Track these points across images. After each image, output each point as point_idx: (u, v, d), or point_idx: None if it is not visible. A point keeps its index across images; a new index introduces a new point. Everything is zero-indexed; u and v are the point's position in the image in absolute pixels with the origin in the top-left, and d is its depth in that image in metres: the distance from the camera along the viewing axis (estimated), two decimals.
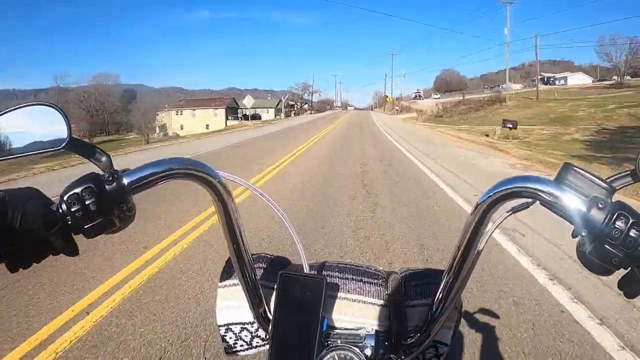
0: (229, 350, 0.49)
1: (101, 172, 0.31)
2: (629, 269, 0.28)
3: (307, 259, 0.43)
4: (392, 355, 0.45)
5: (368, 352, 0.43)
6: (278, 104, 51.89)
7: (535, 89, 28.88)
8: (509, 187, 0.31)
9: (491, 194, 0.33)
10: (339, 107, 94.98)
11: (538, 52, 28.68)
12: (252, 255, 0.47)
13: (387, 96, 56.86)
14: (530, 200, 0.32)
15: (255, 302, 0.44)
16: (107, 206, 0.29)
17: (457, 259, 0.39)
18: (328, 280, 0.45)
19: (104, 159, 0.31)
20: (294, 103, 60.94)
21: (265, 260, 0.49)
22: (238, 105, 46.06)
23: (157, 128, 42.88)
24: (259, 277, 0.47)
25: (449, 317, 0.45)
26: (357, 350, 0.43)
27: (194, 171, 0.33)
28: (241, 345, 0.49)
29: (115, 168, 0.31)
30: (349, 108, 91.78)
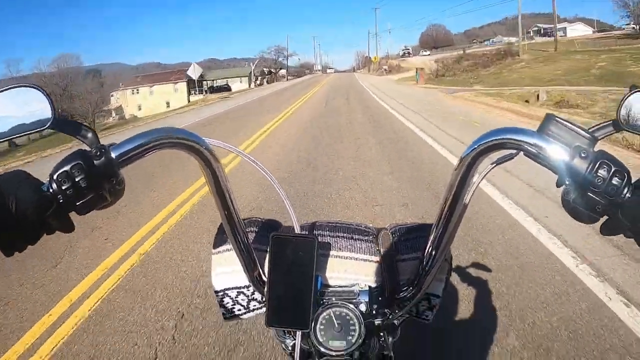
0: (227, 315, 0.55)
1: (88, 149, 0.33)
2: (612, 215, 0.31)
3: (297, 220, 0.49)
4: (386, 310, 0.51)
5: (362, 307, 0.49)
6: (253, 72, 50.18)
7: (533, 41, 28.25)
8: (492, 139, 0.34)
9: (475, 146, 0.36)
10: (319, 70, 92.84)
11: (522, 4, 27.57)
12: (244, 220, 0.52)
13: (370, 57, 55.74)
14: (514, 151, 0.36)
15: (250, 265, 0.49)
16: (97, 181, 0.32)
17: (444, 212, 0.43)
18: (319, 240, 0.50)
19: (90, 135, 0.34)
20: (268, 69, 58.77)
21: (256, 224, 0.55)
22: (203, 77, 44.37)
23: (112, 112, 40.84)
24: (251, 240, 0.52)
25: (440, 270, 0.51)
26: (352, 306, 0.48)
27: (180, 140, 0.37)
28: (239, 310, 0.55)
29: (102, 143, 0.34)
30: (328, 71, 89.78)
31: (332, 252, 0.52)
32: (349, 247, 0.52)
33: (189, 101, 37.80)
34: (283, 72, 62.78)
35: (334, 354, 0.47)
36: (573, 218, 0.33)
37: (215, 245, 0.54)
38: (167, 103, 41.17)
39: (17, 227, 0.30)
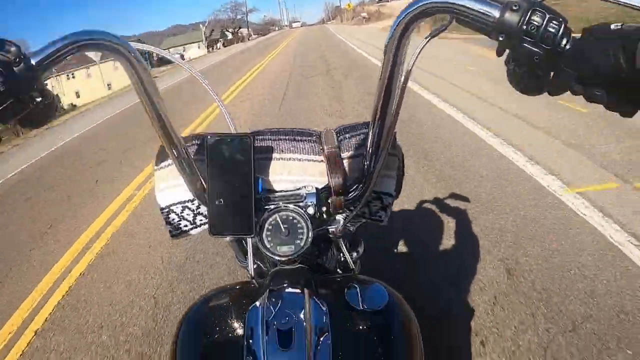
0: (174, 232, 0.60)
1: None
2: (555, 69, 0.32)
3: (234, 125, 0.53)
4: (338, 211, 0.55)
5: (310, 210, 0.52)
6: (211, 34, 47.65)
7: None
8: (419, 5, 0.36)
9: (402, 16, 0.37)
10: (286, 26, 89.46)
11: None
12: (186, 137, 0.57)
13: (341, 5, 53.67)
14: (446, 22, 0.38)
15: (191, 177, 0.53)
16: (17, 86, 0.34)
17: (381, 100, 0.45)
18: (260, 144, 0.55)
19: (13, 49, 0.36)
20: (228, 30, 56.10)
21: (197, 137, 0.59)
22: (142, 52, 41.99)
23: None
24: (192, 153, 0.56)
25: (388, 166, 0.56)
26: (299, 209, 0.52)
27: (100, 41, 0.39)
28: (185, 225, 0.59)
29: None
30: (294, 25, 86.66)
31: (274, 155, 0.55)
32: (291, 148, 0.56)
33: None
34: (244, 31, 60.18)
35: (283, 258, 0.51)
36: (520, 89, 0.35)
37: (157, 162, 0.58)
38: (108, 85, 39.15)
39: None
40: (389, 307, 0.50)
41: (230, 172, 0.49)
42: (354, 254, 0.73)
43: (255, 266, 0.59)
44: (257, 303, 0.48)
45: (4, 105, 0.35)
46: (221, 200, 0.49)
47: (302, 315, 0.45)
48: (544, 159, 2.48)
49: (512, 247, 1.75)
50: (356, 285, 0.52)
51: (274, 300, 0.47)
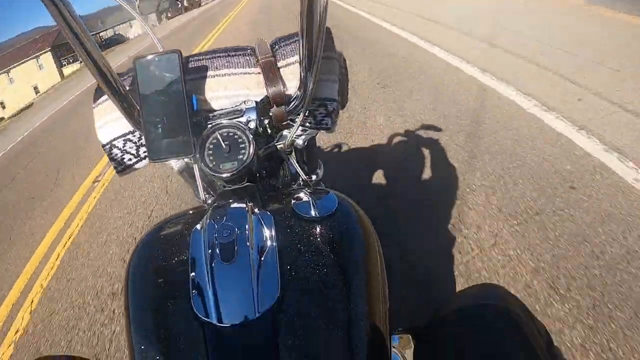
0: (119, 168, 0.63)
1: None
2: None
3: (161, 43, 0.56)
4: (282, 124, 0.58)
5: (252, 125, 0.55)
6: (159, 6, 44.82)
7: None
8: None
9: None
10: None
11: None
12: (121, 72, 0.59)
13: None
14: None
15: (128, 108, 0.56)
16: None
17: (305, 5, 0.46)
18: (195, 65, 0.58)
19: None
20: None
21: (132, 70, 0.60)
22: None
23: None
24: (128, 85, 0.59)
25: (328, 71, 0.59)
26: (240, 124, 0.55)
27: None
28: (129, 159, 0.63)
29: None
30: None
31: (209, 73, 0.59)
32: (226, 64, 0.59)
33: (62, 77, 34.24)
34: None
35: (225, 175, 0.54)
36: None
37: (95, 100, 0.62)
38: (35, 88, 37.16)
39: None
40: (338, 212, 0.52)
41: (162, 93, 0.52)
42: (313, 177, 0.78)
43: (208, 195, 0.63)
44: (201, 222, 0.51)
45: None
46: (157, 122, 0.52)
47: (246, 228, 0.48)
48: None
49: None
50: (305, 195, 0.55)
51: (217, 217, 0.50)
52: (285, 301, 0.44)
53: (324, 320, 0.45)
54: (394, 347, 0.56)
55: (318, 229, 0.51)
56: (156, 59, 0.52)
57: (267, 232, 0.49)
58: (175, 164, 0.68)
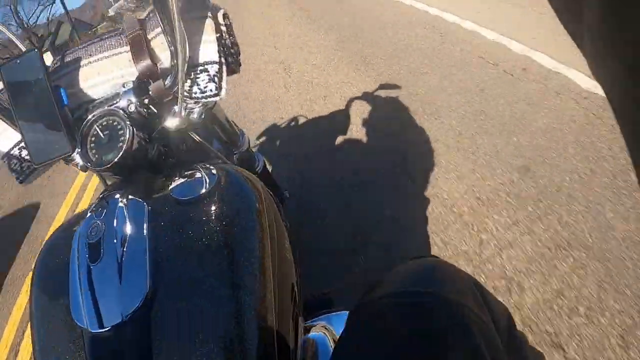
0: (21, 176, 0.62)
1: None
2: None
3: (20, 41, 0.54)
4: (166, 99, 0.54)
5: (132, 107, 0.52)
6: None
7: None
8: None
9: None
10: None
11: None
12: None
13: None
14: None
15: (9, 116, 0.54)
16: None
17: None
18: (70, 58, 0.56)
19: None
20: None
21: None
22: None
23: None
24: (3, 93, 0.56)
25: (202, 31, 0.53)
26: (118, 111, 0.52)
27: None
28: (28, 167, 0.61)
29: None
30: None
31: (83, 62, 0.56)
32: (98, 49, 0.57)
33: None
34: None
35: (108, 166, 0.51)
36: None
37: None
38: None
39: None
40: (216, 189, 0.48)
41: (31, 94, 0.50)
42: (237, 150, 0.75)
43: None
44: (80, 221, 0.49)
45: None
46: (33, 125, 0.50)
47: (113, 223, 0.45)
48: None
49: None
50: (185, 176, 0.51)
51: (96, 211, 0.48)
52: (156, 298, 0.41)
53: (200, 314, 0.41)
54: (315, 329, 0.53)
55: (192, 212, 0.46)
56: (17, 61, 0.51)
57: (137, 224, 0.46)
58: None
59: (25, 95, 0.51)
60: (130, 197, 0.49)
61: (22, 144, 0.60)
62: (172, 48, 0.52)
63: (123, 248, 0.44)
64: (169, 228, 0.46)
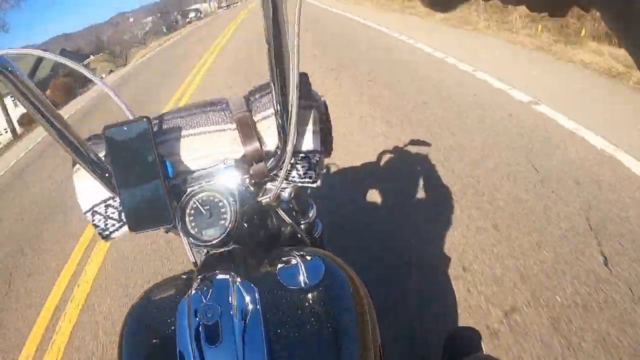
0: (104, 234, 0.62)
1: None
2: None
3: (133, 112, 0.55)
4: (264, 180, 0.56)
5: (232, 185, 0.54)
6: None
7: None
8: None
9: None
10: None
11: None
12: (91, 136, 0.59)
13: None
14: None
15: (102, 174, 0.55)
16: None
17: (272, 58, 0.46)
18: (169, 126, 0.57)
19: None
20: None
21: (98, 136, 0.60)
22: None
23: None
24: (102, 152, 0.58)
25: (305, 121, 0.56)
26: (219, 187, 0.53)
27: None
28: (112, 225, 0.61)
29: None
30: None
31: (183, 132, 0.57)
32: (200, 122, 0.57)
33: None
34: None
35: (209, 243, 0.52)
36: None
37: (73, 165, 0.61)
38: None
39: None
40: (325, 280, 0.50)
41: (135, 162, 0.51)
42: (305, 220, 0.76)
43: (198, 255, 0.62)
44: (186, 296, 0.49)
45: None
46: (133, 192, 0.51)
47: (230, 305, 0.46)
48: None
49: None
50: (290, 259, 0.52)
51: (202, 289, 0.48)
52: None
53: None
54: None
55: (304, 301, 0.48)
56: (125, 127, 0.51)
57: (251, 307, 0.47)
58: None
59: (128, 161, 0.51)
60: (238, 278, 0.49)
61: (109, 202, 0.61)
62: (282, 134, 0.54)
63: (243, 332, 0.45)
64: (282, 316, 0.47)
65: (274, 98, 0.51)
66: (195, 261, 0.61)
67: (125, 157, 0.51)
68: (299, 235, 0.71)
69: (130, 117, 0.55)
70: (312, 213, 0.76)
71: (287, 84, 0.48)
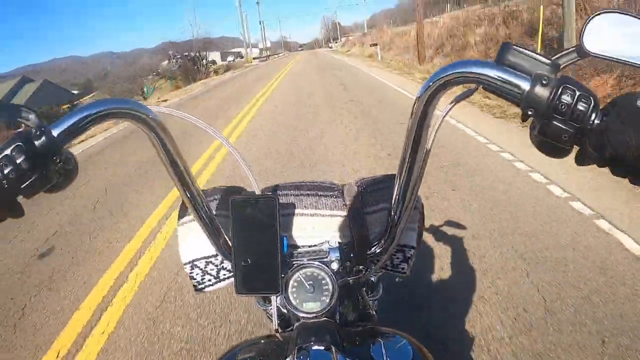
0: (198, 287, 0.65)
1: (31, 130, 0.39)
2: (581, 145, 0.35)
3: (258, 185, 0.59)
4: (360, 266, 0.60)
5: (334, 265, 0.57)
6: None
7: None
8: (447, 74, 0.39)
9: (430, 84, 0.41)
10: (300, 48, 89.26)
11: None
12: (206, 190, 0.62)
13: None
14: (473, 86, 0.41)
15: (214, 233, 0.59)
16: (40, 161, 0.37)
17: (407, 160, 0.50)
18: (283, 201, 0.61)
19: (32, 116, 0.40)
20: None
21: (218, 191, 0.65)
22: None
23: None
24: (214, 209, 0.61)
25: (410, 219, 0.61)
26: (323, 265, 0.57)
27: (122, 110, 0.43)
28: (209, 280, 0.65)
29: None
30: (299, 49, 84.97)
31: (297, 211, 0.61)
32: (314, 204, 0.62)
33: None
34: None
35: (309, 315, 0.56)
36: (543, 153, 0.38)
37: (180, 217, 0.64)
38: None
39: None
40: None
41: (256, 233, 0.54)
42: (371, 296, 0.78)
43: (278, 321, 0.64)
44: None
45: (28, 183, 0.38)
46: (247, 260, 0.54)
47: None
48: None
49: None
50: (380, 339, 0.55)
51: (301, 359, 0.50)
52: None
53: None
54: None
55: None
56: (252, 201, 0.54)
57: None
58: None
59: (250, 233, 0.54)
60: (335, 350, 0.51)
61: (211, 260, 0.64)
62: (390, 228, 0.59)
63: None
64: None
65: (395, 194, 0.56)
66: (277, 329, 0.63)
67: (248, 227, 0.54)
68: (369, 312, 0.73)
69: (257, 191, 0.59)
70: (381, 290, 0.77)
71: (412, 183, 0.53)
